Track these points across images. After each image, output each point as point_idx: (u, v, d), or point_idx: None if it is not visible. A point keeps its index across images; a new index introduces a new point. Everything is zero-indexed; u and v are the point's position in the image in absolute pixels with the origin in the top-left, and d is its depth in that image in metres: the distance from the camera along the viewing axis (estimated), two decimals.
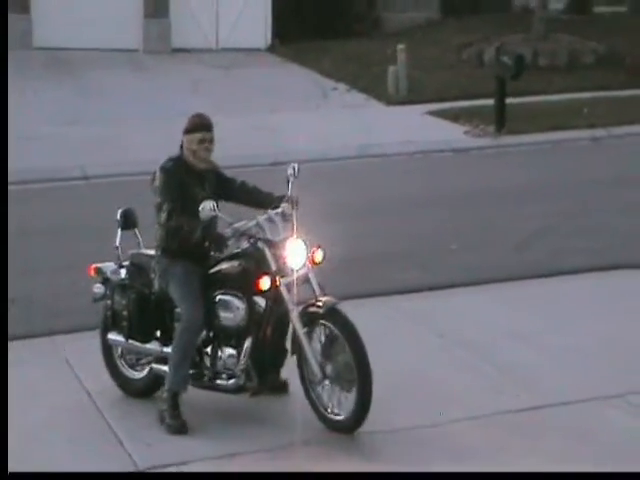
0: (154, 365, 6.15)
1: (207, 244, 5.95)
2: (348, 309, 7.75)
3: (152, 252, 6.15)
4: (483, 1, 22.49)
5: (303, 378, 5.83)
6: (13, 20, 19.84)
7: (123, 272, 6.27)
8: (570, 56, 18.57)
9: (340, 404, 5.70)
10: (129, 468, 5.47)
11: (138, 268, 6.22)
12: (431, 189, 11.86)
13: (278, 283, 5.72)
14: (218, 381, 5.91)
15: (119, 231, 6.39)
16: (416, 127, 15.15)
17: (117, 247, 6.36)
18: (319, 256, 5.90)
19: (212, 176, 6.10)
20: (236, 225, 5.79)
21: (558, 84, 17.29)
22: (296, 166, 6.09)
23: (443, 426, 5.89)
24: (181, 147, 6.04)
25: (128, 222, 6.41)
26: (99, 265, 6.42)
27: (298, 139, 14.01)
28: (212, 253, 6.02)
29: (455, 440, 5.73)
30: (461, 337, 7.20)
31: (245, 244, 5.86)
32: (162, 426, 5.84)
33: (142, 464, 5.50)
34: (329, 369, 5.71)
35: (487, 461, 5.46)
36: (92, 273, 6.44)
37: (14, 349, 6.79)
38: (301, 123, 15.22)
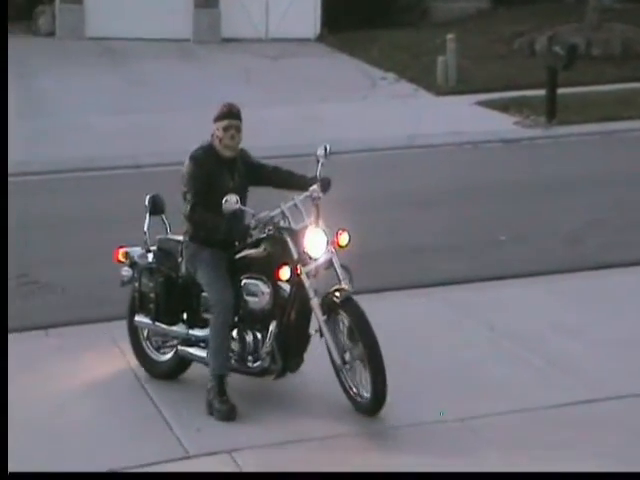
0: (180, 347, 6.22)
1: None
2: (398, 300, 7.86)
3: (179, 237, 6.23)
4: None
5: (331, 361, 5.91)
6: (66, 10, 20.16)
7: (150, 256, 6.35)
8: (624, 45, 18.31)
9: (363, 387, 5.79)
10: (179, 454, 5.53)
11: (165, 253, 6.30)
12: (480, 180, 11.78)
13: (300, 271, 5.77)
14: (243, 363, 5.99)
15: (147, 216, 6.48)
16: (465, 117, 15.05)
17: (145, 232, 6.45)
18: (344, 239, 5.96)
19: (240, 164, 6.12)
20: (260, 216, 5.84)
21: (611, 74, 17.07)
22: (328, 146, 6.11)
23: (491, 418, 5.86)
24: (212, 135, 6.06)
25: (156, 208, 6.49)
26: (126, 249, 6.51)
27: (346, 129, 14.03)
28: (237, 243, 6.09)
29: (503, 433, 5.71)
30: (510, 329, 7.17)
31: (270, 231, 5.89)
32: (211, 414, 5.89)
33: (192, 450, 5.56)
34: (347, 356, 5.81)
35: (536, 455, 5.44)
36: (119, 257, 6.52)
37: (66, 336, 6.91)
38: (350, 113, 15.22)
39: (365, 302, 7.70)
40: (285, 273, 5.77)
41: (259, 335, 5.90)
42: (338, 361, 5.82)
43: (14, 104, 15.36)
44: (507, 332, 7.12)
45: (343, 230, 5.98)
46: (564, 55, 14.45)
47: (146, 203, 6.49)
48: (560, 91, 14.63)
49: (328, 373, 5.94)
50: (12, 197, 11.21)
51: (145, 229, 6.45)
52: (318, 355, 5.95)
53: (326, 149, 6.09)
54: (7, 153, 7.17)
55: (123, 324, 6.67)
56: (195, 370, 6.35)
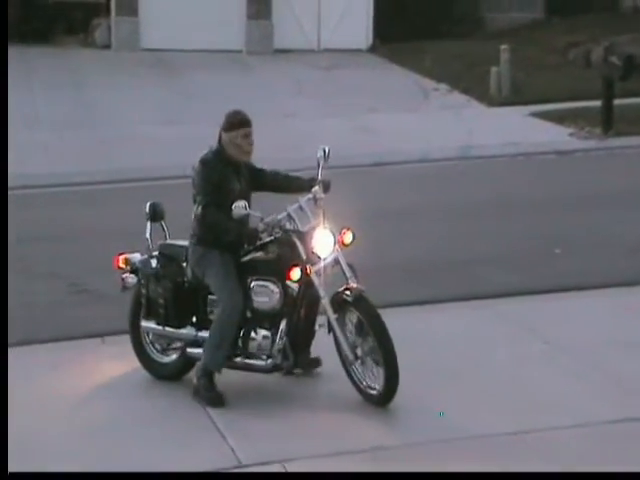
0: (189, 349, 6.34)
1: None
2: (450, 311, 7.80)
3: (182, 242, 6.39)
4: (590, 1, 22.04)
5: (340, 356, 6.09)
6: (121, 23, 20.41)
7: (154, 262, 6.44)
8: None
9: (373, 380, 5.99)
10: (232, 463, 5.54)
11: (169, 258, 6.43)
12: (534, 191, 11.66)
13: (309, 271, 5.97)
14: (253, 361, 6.16)
15: (148, 223, 6.59)
16: (519, 129, 14.94)
17: (147, 239, 6.56)
18: (348, 238, 6.18)
19: (245, 169, 6.32)
20: (267, 220, 6.01)
21: None
22: (327, 149, 6.32)
23: (544, 432, 5.78)
24: (219, 141, 6.25)
25: (156, 215, 6.60)
26: (127, 255, 6.61)
27: (399, 140, 13.99)
28: (245, 246, 6.22)
29: (558, 448, 5.62)
30: (567, 343, 7.06)
31: (278, 234, 6.07)
32: (196, 398, 6.11)
33: (245, 460, 5.56)
34: (359, 351, 6.03)
35: (593, 470, 5.34)
36: (119, 263, 6.63)
37: (122, 343, 6.95)
38: (402, 124, 15.18)
39: (418, 313, 7.65)
40: (296, 274, 5.96)
41: (268, 333, 6.08)
42: (350, 356, 6.02)
43: (67, 115, 15.61)
44: (564, 346, 7.02)
45: (347, 229, 6.21)
46: (621, 66, 14.28)
47: (146, 210, 6.59)
48: (616, 102, 14.45)
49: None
50: (64, 207, 11.44)
51: (147, 236, 6.57)
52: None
53: (325, 151, 6.31)
54: (7, 165, 7.31)
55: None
56: (249, 379, 6.35)
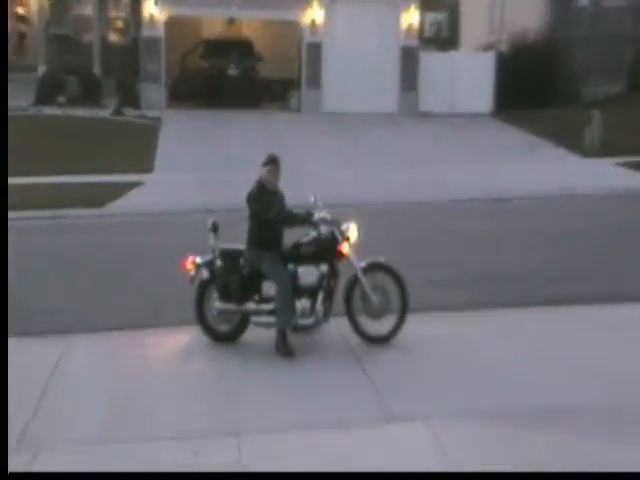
0: (253, 318, 6.70)
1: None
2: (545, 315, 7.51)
3: (237, 246, 6.72)
4: None
5: (350, 312, 6.70)
6: (308, 92, 20.96)
7: (219, 261, 6.69)
8: None
9: (383, 323, 6.66)
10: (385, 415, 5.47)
11: (230, 258, 6.73)
12: (618, 222, 11.24)
13: (345, 252, 6.67)
14: (299, 321, 6.59)
15: (212, 234, 6.79)
16: (607, 175, 14.43)
17: (212, 245, 6.79)
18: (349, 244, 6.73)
19: (280, 195, 6.75)
20: (320, 215, 6.66)
21: None
22: (316, 195, 6.86)
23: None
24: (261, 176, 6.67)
25: (215, 228, 6.83)
26: (194, 258, 6.81)
27: (512, 181, 13.78)
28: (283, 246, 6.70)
29: None
30: None
31: (323, 229, 6.65)
32: (277, 352, 6.50)
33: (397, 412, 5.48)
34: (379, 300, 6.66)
35: None
36: (188, 264, 6.80)
37: None
38: (514, 170, 14.91)
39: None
40: (346, 248, 6.63)
41: (308, 300, 6.58)
42: (376, 304, 6.63)
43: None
44: None
45: (347, 240, 6.72)
46: None
47: (209, 226, 6.79)
48: None
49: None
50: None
51: (212, 243, 6.79)
52: None
53: (315, 197, 6.86)
54: (7, 166, 7.01)
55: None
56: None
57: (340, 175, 14.75)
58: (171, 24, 20.53)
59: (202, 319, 6.90)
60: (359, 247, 6.81)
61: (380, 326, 6.71)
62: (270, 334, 6.67)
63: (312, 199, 6.91)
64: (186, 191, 13.58)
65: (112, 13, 25.09)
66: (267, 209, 6.58)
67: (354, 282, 6.74)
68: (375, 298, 6.69)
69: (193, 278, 6.83)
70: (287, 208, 6.80)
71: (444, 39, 26.67)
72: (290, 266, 6.66)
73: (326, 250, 6.68)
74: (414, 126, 19.41)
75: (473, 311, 7.54)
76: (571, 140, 16.97)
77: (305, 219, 6.70)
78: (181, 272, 6.91)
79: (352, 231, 6.77)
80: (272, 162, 6.71)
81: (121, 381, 6.11)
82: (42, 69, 21.74)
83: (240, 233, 6.79)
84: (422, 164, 15.55)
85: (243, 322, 6.83)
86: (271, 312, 6.66)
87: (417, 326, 6.86)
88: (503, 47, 22.05)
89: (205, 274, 6.82)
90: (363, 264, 6.75)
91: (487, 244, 10.06)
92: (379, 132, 18.54)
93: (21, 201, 11.63)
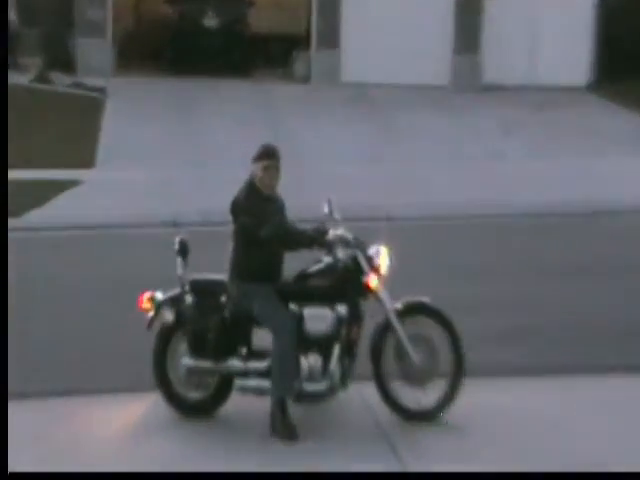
0: (238, 381, 6.76)
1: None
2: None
3: (217, 276, 6.81)
4: None
5: (379, 375, 6.74)
6: (321, 56, 21.08)
7: (190, 297, 6.78)
8: None
9: (428, 392, 6.72)
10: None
11: (205, 293, 6.82)
12: None
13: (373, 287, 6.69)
14: (305, 386, 6.65)
15: (179, 259, 6.86)
16: None
17: (180, 275, 6.83)
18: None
19: (279, 202, 6.85)
20: (337, 232, 6.71)
21: None
22: (332, 202, 6.98)
23: None
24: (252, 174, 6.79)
25: (184, 250, 6.90)
26: (151, 294, 6.88)
27: (624, 186, 13.76)
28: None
29: None
30: None
31: (341, 254, 6.71)
32: (273, 434, 6.53)
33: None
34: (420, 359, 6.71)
35: None
36: (145, 302, 6.92)
37: None
38: (627, 170, 14.94)
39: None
40: (374, 280, 6.67)
41: (319, 357, 6.65)
42: (415, 361, 6.66)
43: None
44: None
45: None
46: None
47: (175, 246, 6.87)
48: None
49: None
50: None
51: (180, 271, 6.84)
52: None
53: (330, 206, 6.96)
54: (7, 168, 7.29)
55: None
56: None
57: (365, 176, 14.79)
58: None
59: (164, 382, 6.98)
60: (392, 280, 6.89)
61: (423, 396, 6.77)
62: (263, 405, 6.74)
63: (326, 209, 6.99)
64: (141, 195, 13.72)
65: None
66: (260, 223, 6.58)
67: (386, 331, 6.78)
68: (416, 355, 6.72)
69: (151, 322, 6.95)
70: (289, 222, 6.86)
71: None
72: (293, 307, 6.71)
73: (345, 284, 6.74)
74: (473, 104, 19.48)
75: (553, 377, 7.63)
76: None
77: (315, 238, 6.70)
78: (134, 313, 7.02)
79: (383, 257, 6.79)
80: (268, 156, 6.78)
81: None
82: None
83: (220, 257, 6.90)
84: (484, 161, 15.65)
85: (223, 387, 6.91)
86: (264, 373, 6.72)
87: (476, 395, 6.91)
88: None
89: (169, 316, 6.92)
90: (399, 305, 6.76)
91: (580, 281, 10.05)
92: (421, 113, 18.63)
93: None
